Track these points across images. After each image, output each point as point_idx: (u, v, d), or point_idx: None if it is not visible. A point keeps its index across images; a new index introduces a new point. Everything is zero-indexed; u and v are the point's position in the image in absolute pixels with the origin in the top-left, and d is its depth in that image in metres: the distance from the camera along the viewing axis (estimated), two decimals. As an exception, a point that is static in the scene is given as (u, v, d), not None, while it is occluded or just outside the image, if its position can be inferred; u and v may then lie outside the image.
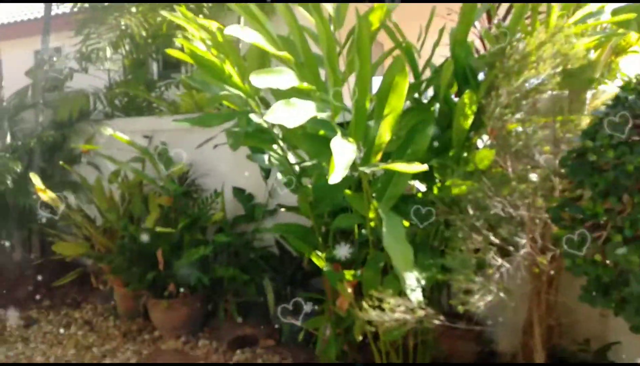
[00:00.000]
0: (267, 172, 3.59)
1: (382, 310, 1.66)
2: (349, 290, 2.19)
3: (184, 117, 2.66)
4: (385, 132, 1.55)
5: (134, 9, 4.25)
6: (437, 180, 1.92)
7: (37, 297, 3.85)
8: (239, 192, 3.72)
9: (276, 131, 2.06)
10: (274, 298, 3.13)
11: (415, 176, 1.89)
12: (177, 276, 3.10)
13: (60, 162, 3.76)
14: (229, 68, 1.87)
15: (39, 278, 3.96)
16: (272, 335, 3.15)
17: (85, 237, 3.69)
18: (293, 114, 1.43)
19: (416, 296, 1.52)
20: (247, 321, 3.27)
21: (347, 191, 2.08)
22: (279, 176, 2.51)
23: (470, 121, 1.74)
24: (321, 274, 3.25)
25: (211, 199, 3.46)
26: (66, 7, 5.55)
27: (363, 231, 2.45)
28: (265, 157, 2.36)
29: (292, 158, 2.35)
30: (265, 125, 1.99)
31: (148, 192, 3.63)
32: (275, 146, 2.18)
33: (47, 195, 3.31)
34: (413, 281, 1.51)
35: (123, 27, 4.64)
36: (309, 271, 3.32)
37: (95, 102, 4.57)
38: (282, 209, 3.17)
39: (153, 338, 3.24)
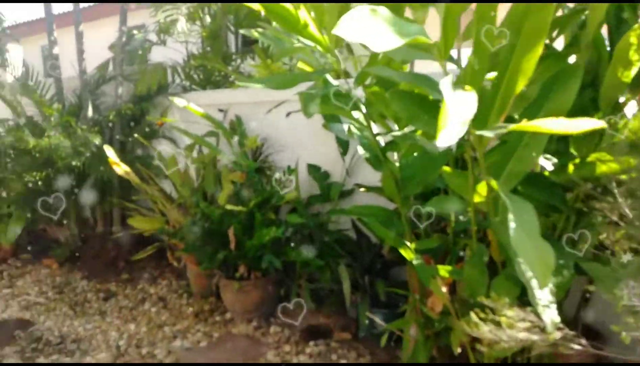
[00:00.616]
0: (345, 147, 3.27)
1: (496, 323, 1.26)
2: (444, 289, 1.80)
3: (254, 80, 2.36)
4: (518, 80, 1.10)
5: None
6: (573, 155, 1.45)
7: (117, 270, 3.90)
8: (314, 169, 3.45)
9: (359, 93, 1.69)
10: (350, 287, 2.83)
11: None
12: (248, 257, 2.90)
13: (135, 136, 3.72)
14: (304, 15, 1.53)
15: (119, 251, 4.02)
16: (348, 327, 2.86)
17: (161, 212, 3.64)
18: (380, 29, 0.98)
19: (551, 315, 1.10)
20: (321, 310, 3.01)
21: (446, 168, 1.67)
22: (360, 150, 2.17)
23: (633, 71, 1.25)
24: (404, 264, 2.91)
25: (284, 177, 3.20)
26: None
27: (461, 217, 2.04)
28: (345, 127, 2.01)
29: (375, 129, 1.98)
30: (344, 86, 1.64)
31: (221, 167, 3.48)
32: (356, 114, 1.82)
33: (121, 168, 3.26)
34: (546, 293, 1.09)
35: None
36: (389, 260, 2.98)
37: (174, 76, 4.51)
38: (362, 190, 2.82)
39: (224, 320, 3.10)
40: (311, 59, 1.83)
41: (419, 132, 1.56)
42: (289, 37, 1.75)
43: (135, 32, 4.82)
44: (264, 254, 2.80)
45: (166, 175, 3.74)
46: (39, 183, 3.66)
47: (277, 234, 2.69)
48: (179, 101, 3.15)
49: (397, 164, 2.05)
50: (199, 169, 3.62)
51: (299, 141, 3.57)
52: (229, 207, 2.82)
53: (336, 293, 2.93)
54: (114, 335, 2.92)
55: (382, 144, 1.99)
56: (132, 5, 4.98)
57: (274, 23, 2.09)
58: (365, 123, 1.77)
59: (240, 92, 3.88)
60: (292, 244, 3.07)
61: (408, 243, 1.88)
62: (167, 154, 3.64)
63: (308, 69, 1.90)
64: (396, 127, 1.83)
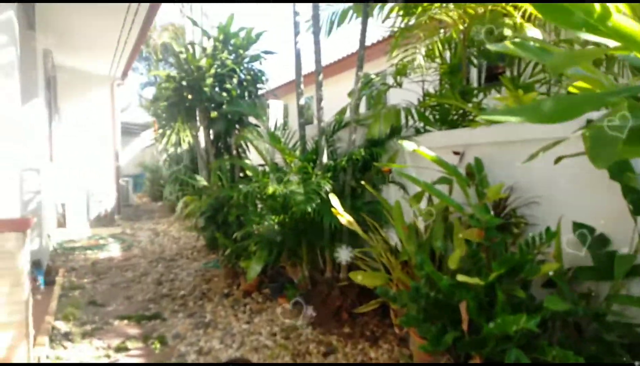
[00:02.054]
0: (637, 203, 2.26)
1: None
2: None
3: (505, 111, 1.65)
4: None
5: (451, 5, 3.65)
6: None
7: (340, 321, 3.72)
8: (584, 230, 2.51)
9: None
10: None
11: None
12: (486, 345, 2.21)
13: (362, 182, 3.52)
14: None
15: (344, 300, 3.84)
16: None
17: (384, 266, 3.30)
18: None
19: None
20: None
21: None
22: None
23: None
24: None
25: (541, 240, 2.39)
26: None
27: None
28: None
29: None
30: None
31: (453, 221, 2.91)
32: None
33: (344, 218, 3.06)
34: None
35: (440, 32, 4.16)
36: None
37: (407, 118, 4.22)
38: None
39: (452, 417, 2.45)
40: (597, 76, 1.13)
41: None
42: (560, 48, 1.12)
43: (372, 76, 4.80)
44: (509, 348, 2.06)
45: (393, 226, 3.40)
46: (277, 226, 3.83)
47: (528, 325, 1.93)
48: (407, 144, 2.78)
49: None
50: (427, 222, 3.14)
51: (560, 190, 2.70)
52: (460, 278, 2.22)
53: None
54: (325, 404, 2.64)
55: None
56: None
57: (528, 31, 1.47)
58: None
59: (480, 131, 3.26)
60: (551, 337, 2.23)
61: None
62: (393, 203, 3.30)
63: (588, 86, 1.20)
64: None
